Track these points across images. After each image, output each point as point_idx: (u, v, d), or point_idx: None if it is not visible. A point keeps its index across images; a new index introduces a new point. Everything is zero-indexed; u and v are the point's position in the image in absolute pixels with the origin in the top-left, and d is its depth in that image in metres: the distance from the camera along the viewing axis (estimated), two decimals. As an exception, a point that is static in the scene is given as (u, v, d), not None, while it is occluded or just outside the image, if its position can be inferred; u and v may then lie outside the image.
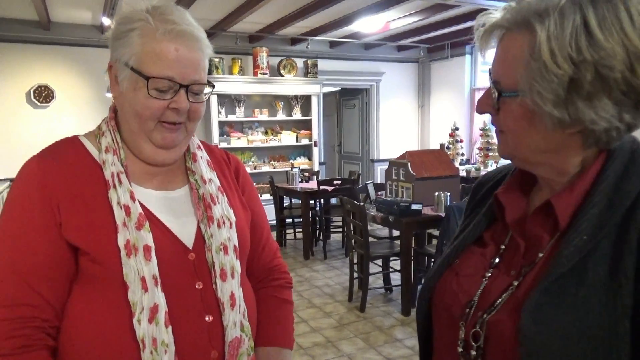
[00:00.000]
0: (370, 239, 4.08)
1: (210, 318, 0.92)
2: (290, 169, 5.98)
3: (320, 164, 7.10)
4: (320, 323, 3.70)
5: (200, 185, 0.99)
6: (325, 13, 5.26)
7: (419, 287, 3.71)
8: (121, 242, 0.87)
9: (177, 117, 0.91)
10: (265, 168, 6.68)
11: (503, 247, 0.78)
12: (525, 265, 0.72)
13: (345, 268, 4.95)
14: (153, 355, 0.85)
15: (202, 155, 1.04)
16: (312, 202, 5.48)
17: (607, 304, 0.61)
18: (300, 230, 5.58)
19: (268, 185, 5.91)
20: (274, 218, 5.78)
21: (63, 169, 0.91)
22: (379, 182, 6.13)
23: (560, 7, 0.60)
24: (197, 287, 0.93)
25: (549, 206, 0.70)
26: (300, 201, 5.41)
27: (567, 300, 0.63)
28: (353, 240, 4.06)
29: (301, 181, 5.80)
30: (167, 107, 0.89)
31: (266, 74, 6.46)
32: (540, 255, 0.70)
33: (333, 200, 5.75)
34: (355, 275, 4.13)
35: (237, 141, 6.51)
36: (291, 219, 5.90)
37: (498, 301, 0.71)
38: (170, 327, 0.87)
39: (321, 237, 5.67)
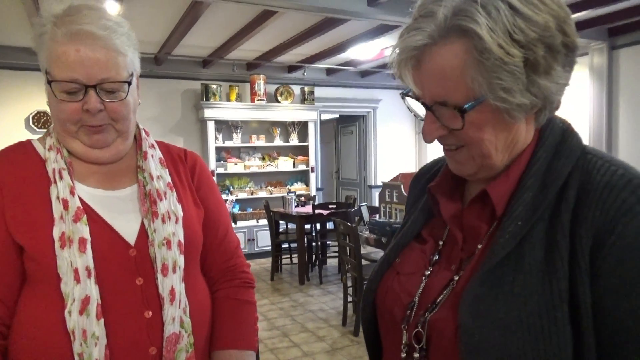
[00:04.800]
0: (365, 262, 4.03)
1: (150, 314, 0.91)
2: (287, 194, 5.98)
3: (318, 189, 7.10)
4: (312, 347, 3.62)
5: (148, 182, 0.99)
6: (321, 40, 5.37)
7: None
8: (56, 234, 0.87)
9: (93, 119, 0.90)
10: (262, 194, 6.68)
11: (442, 242, 0.75)
12: (465, 258, 0.69)
13: (340, 292, 4.87)
14: (83, 347, 0.84)
15: (154, 154, 1.04)
16: (308, 226, 5.44)
17: (544, 289, 0.59)
18: (297, 255, 5.53)
19: (264, 211, 5.89)
20: (269, 243, 5.74)
21: (7, 170, 0.92)
22: (375, 206, 6.10)
23: (475, 1, 0.58)
24: (137, 282, 0.91)
25: (485, 195, 0.67)
26: (296, 226, 5.38)
27: (504, 289, 0.61)
28: (347, 263, 4.01)
29: (297, 206, 5.78)
30: (82, 109, 0.89)
31: (263, 100, 6.54)
32: (480, 246, 0.68)
33: (329, 225, 5.72)
34: (350, 298, 4.07)
35: (234, 167, 6.54)
36: (287, 244, 5.85)
37: (439, 299, 0.68)
38: (102, 320, 0.86)
39: (317, 262, 5.61)
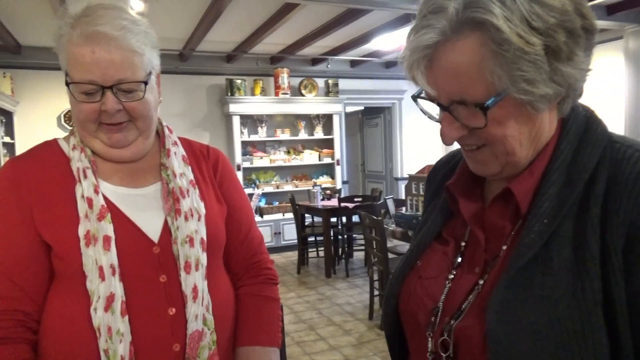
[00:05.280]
0: (391, 255, 4.00)
1: (174, 310, 0.91)
2: (312, 187, 5.97)
3: (344, 182, 7.08)
4: (339, 341, 3.62)
5: (171, 180, 0.99)
6: (344, 31, 5.31)
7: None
8: (81, 232, 0.88)
9: (111, 118, 0.91)
10: (288, 187, 6.70)
11: (464, 243, 0.71)
12: (490, 260, 0.66)
13: (367, 286, 4.85)
14: (108, 343, 0.85)
15: (177, 151, 1.04)
16: (334, 220, 5.43)
17: (575, 291, 0.55)
18: (323, 248, 5.53)
19: (290, 204, 5.91)
20: (296, 236, 5.76)
21: (35, 169, 0.93)
22: (402, 198, 6.04)
23: None
24: (161, 280, 0.92)
25: (508, 193, 0.64)
26: (322, 219, 5.38)
27: (533, 292, 0.57)
28: (373, 257, 3.98)
29: (322, 199, 5.77)
30: (100, 109, 0.89)
31: (287, 94, 6.54)
32: (504, 247, 0.64)
33: (355, 218, 5.70)
34: (377, 292, 4.04)
35: (260, 161, 6.57)
36: (313, 237, 5.86)
37: (465, 304, 0.65)
38: (127, 317, 0.86)
39: (343, 255, 5.59)
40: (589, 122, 0.64)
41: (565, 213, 0.59)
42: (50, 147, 0.98)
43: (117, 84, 0.88)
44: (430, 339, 0.67)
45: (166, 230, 0.95)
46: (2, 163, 4.72)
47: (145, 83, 0.91)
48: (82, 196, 0.90)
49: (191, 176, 1.02)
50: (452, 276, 0.69)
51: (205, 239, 0.97)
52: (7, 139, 5.12)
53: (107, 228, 0.89)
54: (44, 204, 0.90)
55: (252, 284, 1.09)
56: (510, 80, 0.56)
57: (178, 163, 1.02)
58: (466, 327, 0.62)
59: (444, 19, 0.57)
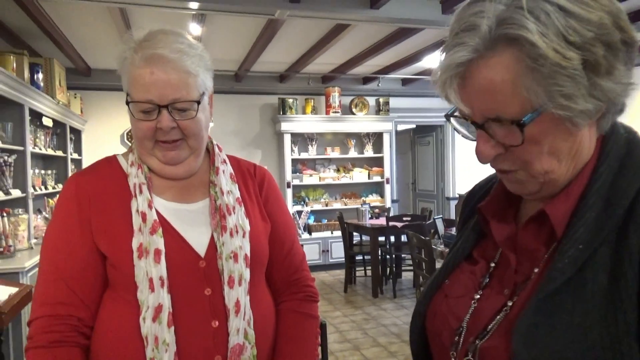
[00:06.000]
0: (439, 277, 3.90)
1: (217, 323, 0.94)
2: (361, 205, 5.95)
3: (393, 201, 7.00)
4: (384, 363, 3.55)
5: (219, 197, 1.03)
6: (395, 50, 5.32)
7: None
8: (135, 245, 0.93)
9: (166, 135, 0.96)
10: (337, 205, 6.72)
11: (493, 264, 0.70)
12: (520, 282, 0.64)
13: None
14: (154, 352, 0.89)
15: (225, 169, 1.09)
16: (382, 239, 5.38)
17: (608, 321, 0.53)
18: (370, 267, 5.47)
19: (338, 222, 5.91)
20: (343, 255, 5.75)
21: (95, 183, 1.01)
22: (452, 219, 5.89)
23: (521, 7, 0.54)
24: (206, 293, 0.95)
25: (542, 215, 0.62)
26: (370, 238, 5.34)
27: (563, 318, 0.55)
28: (421, 277, 3.90)
29: (371, 217, 5.74)
30: (156, 127, 0.95)
31: (338, 112, 6.60)
32: (536, 270, 0.62)
33: (404, 238, 5.61)
34: (424, 314, 3.94)
35: (309, 178, 6.64)
36: (361, 256, 5.81)
37: (491, 325, 0.63)
38: (172, 328, 0.90)
39: (391, 276, 5.51)
40: (631, 145, 0.62)
41: (602, 239, 0.57)
42: (110, 163, 1.06)
43: (172, 103, 0.94)
44: (453, 359, 0.66)
45: (212, 245, 0.99)
46: (70, 177, 5.05)
47: (198, 103, 0.97)
48: (137, 210, 0.96)
49: (238, 194, 1.06)
50: (479, 296, 0.68)
51: (248, 255, 1.00)
52: (75, 155, 5.48)
53: (159, 241, 0.94)
54: (102, 217, 0.97)
55: (293, 300, 1.11)
56: (547, 96, 0.55)
57: (226, 181, 1.06)
58: (491, 348, 0.61)
59: (477, 37, 0.56)
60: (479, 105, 0.59)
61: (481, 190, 0.82)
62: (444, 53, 0.60)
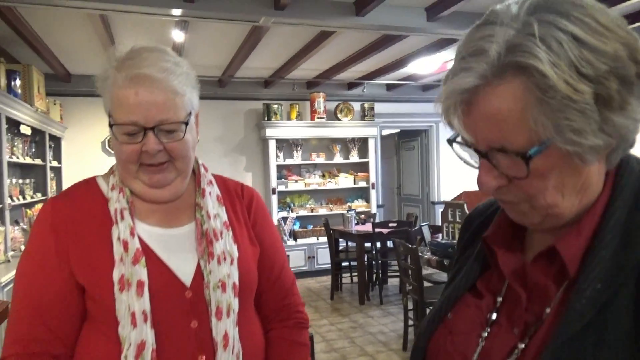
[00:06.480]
0: (426, 284, 3.89)
1: (204, 358, 0.89)
2: (346, 211, 5.93)
3: (379, 206, 7.00)
4: (372, 372, 3.52)
5: (205, 221, 0.99)
6: (380, 56, 5.32)
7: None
8: (116, 276, 0.88)
9: (152, 158, 0.91)
10: (322, 211, 6.69)
11: (500, 299, 0.66)
12: (531, 322, 0.60)
13: (401, 314, 4.73)
14: None
15: (212, 191, 1.04)
16: (368, 245, 5.36)
17: None
18: (357, 273, 5.45)
19: (323, 228, 5.88)
20: (330, 261, 5.72)
21: (73, 208, 0.95)
22: (438, 225, 5.91)
23: (532, 35, 0.51)
24: (192, 326, 0.91)
25: (552, 251, 0.59)
26: (356, 244, 5.32)
27: None
28: (407, 285, 3.89)
29: (357, 224, 5.72)
30: (141, 150, 0.90)
31: (323, 118, 6.58)
32: (548, 310, 0.59)
33: (390, 244, 5.60)
34: (411, 322, 3.93)
35: (295, 184, 6.60)
36: (347, 262, 5.79)
37: None
38: None
39: (377, 282, 5.50)
40: None
41: (623, 280, 0.54)
42: (89, 187, 1.00)
43: (159, 124, 0.89)
44: None
45: (199, 274, 0.94)
46: (50, 187, 4.93)
47: (186, 124, 0.92)
48: (118, 238, 0.91)
49: (225, 217, 1.02)
50: (486, 334, 0.65)
51: (237, 283, 0.96)
52: (55, 163, 5.35)
53: (141, 272, 0.89)
54: (81, 245, 0.91)
55: (282, 327, 1.07)
56: (555, 130, 0.52)
57: (212, 203, 1.02)
58: None
59: (485, 62, 0.53)
60: (483, 134, 0.56)
61: (481, 215, 0.79)
62: (449, 77, 0.57)
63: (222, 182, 1.10)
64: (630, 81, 0.52)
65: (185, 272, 0.94)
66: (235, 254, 0.98)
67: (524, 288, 0.63)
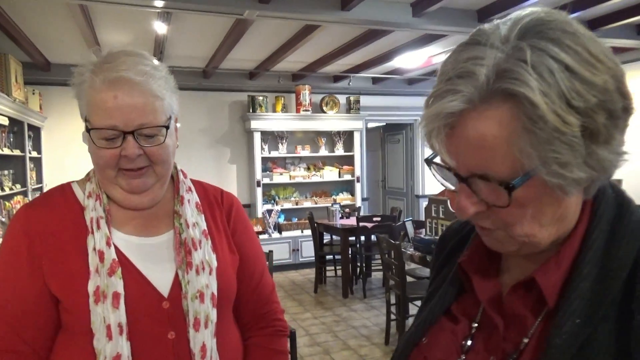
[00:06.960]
0: (409, 279, 3.92)
1: None
2: (331, 205, 5.94)
3: (363, 199, 7.02)
4: (354, 367, 3.56)
5: (184, 230, 0.97)
6: (366, 50, 5.30)
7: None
8: (91, 288, 0.86)
9: (132, 163, 0.89)
10: (307, 204, 6.69)
11: (475, 324, 0.66)
12: (510, 351, 0.59)
13: (384, 308, 4.77)
14: None
15: (191, 198, 1.03)
16: (352, 238, 5.38)
17: None
18: (340, 267, 5.47)
19: (307, 221, 5.89)
20: (313, 254, 5.73)
21: (48, 217, 0.93)
22: (422, 220, 5.95)
23: (524, 61, 0.49)
24: (169, 337, 0.90)
25: (531, 281, 0.58)
26: (340, 238, 5.34)
27: None
28: (390, 280, 3.92)
29: (341, 217, 5.73)
30: (120, 154, 0.88)
31: (308, 110, 6.56)
32: (526, 340, 0.58)
33: (374, 238, 5.63)
34: (393, 316, 3.97)
35: (280, 177, 6.58)
36: (331, 256, 5.81)
37: None
38: None
39: (361, 275, 5.53)
40: (621, 208, 0.59)
41: (602, 315, 0.53)
42: (64, 194, 0.98)
43: (139, 128, 0.87)
44: None
45: (177, 284, 0.93)
46: (29, 178, 4.83)
47: (167, 128, 0.91)
48: (94, 249, 0.89)
49: (204, 225, 1.00)
50: None
51: (215, 293, 0.95)
52: (35, 154, 5.25)
53: (117, 284, 0.87)
54: (55, 256, 0.89)
55: (262, 335, 1.06)
56: (541, 161, 0.50)
57: (191, 211, 1.00)
58: None
59: (473, 86, 0.51)
60: (465, 159, 0.54)
61: (456, 235, 0.78)
62: (433, 98, 0.55)
63: (201, 188, 1.09)
64: (617, 115, 0.51)
65: (162, 282, 0.92)
66: (214, 264, 0.97)
67: (502, 315, 0.62)
